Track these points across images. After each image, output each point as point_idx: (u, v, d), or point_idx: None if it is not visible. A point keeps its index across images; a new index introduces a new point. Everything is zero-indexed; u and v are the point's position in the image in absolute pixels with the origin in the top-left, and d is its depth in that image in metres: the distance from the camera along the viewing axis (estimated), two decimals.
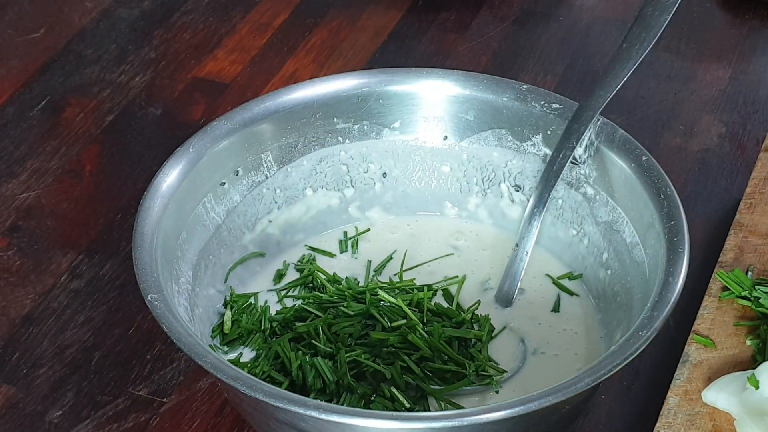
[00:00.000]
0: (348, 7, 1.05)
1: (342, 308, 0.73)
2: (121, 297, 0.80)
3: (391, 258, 0.79)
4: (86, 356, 0.77)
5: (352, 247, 0.80)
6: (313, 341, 0.71)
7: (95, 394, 0.74)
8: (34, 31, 1.03)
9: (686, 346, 0.70)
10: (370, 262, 0.79)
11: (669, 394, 0.67)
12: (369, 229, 0.81)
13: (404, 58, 1.00)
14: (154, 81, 0.98)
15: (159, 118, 0.95)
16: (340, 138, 0.79)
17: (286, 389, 0.68)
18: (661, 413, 0.66)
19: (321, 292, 0.76)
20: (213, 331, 0.74)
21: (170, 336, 0.63)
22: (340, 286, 0.75)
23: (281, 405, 0.60)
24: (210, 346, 0.70)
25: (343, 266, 0.79)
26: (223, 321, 0.74)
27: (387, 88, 0.78)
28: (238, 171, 0.76)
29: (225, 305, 0.75)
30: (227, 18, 1.05)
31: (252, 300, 0.76)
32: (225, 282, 0.76)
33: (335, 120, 0.78)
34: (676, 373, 0.68)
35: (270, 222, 0.79)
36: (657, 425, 0.65)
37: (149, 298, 0.65)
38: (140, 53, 1.01)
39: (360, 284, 0.76)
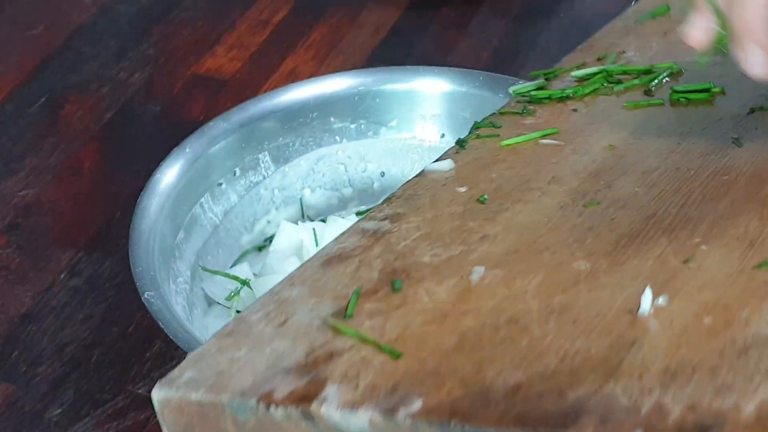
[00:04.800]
0: (348, 4, 1.05)
1: None
2: (120, 295, 0.80)
3: None
4: (85, 354, 0.77)
5: None
6: None
7: (94, 392, 0.74)
8: (32, 28, 1.03)
9: None
10: None
11: None
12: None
13: (404, 55, 0.99)
14: (153, 78, 0.98)
15: (158, 115, 0.95)
16: (337, 137, 0.79)
17: None
18: None
19: None
20: None
21: (167, 332, 0.63)
22: None
23: None
24: None
25: None
26: None
27: (383, 86, 0.78)
28: (235, 171, 0.76)
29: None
30: (226, 14, 1.05)
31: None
32: None
33: (332, 119, 0.78)
34: None
35: (268, 222, 0.79)
36: None
37: (146, 295, 0.65)
38: (139, 50, 1.01)
39: None
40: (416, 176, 0.64)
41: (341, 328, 0.50)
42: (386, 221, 0.59)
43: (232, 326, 0.51)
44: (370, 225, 0.58)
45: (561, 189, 0.60)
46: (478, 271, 0.53)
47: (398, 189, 0.62)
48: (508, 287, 0.52)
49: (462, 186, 0.61)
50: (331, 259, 0.56)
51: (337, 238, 0.57)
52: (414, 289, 0.52)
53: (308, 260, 0.56)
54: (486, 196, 0.60)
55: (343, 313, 0.51)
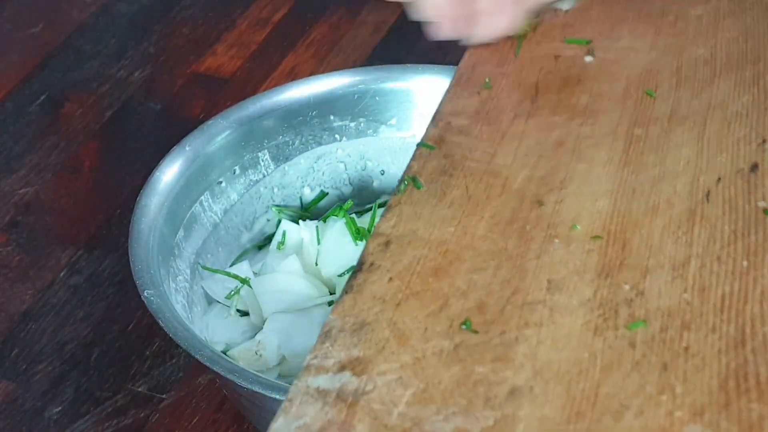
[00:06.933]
0: (348, 2, 1.05)
1: None
2: (120, 293, 0.81)
3: None
4: (86, 352, 0.77)
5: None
6: None
7: (95, 390, 0.74)
8: (33, 26, 1.03)
9: None
10: None
11: None
12: None
13: (404, 53, 0.99)
14: (154, 76, 0.98)
15: (158, 114, 0.95)
16: (336, 136, 0.79)
17: None
18: None
19: None
20: None
21: (167, 330, 0.63)
22: None
23: (277, 396, 0.60)
24: None
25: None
26: None
27: (383, 85, 0.78)
28: (235, 169, 0.76)
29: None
30: (226, 13, 1.05)
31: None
32: None
33: (332, 118, 0.78)
34: None
35: (268, 221, 0.79)
36: None
37: (146, 294, 0.65)
38: (139, 48, 1.01)
39: None
40: (347, 292, 0.46)
41: None
42: (346, 373, 0.41)
43: None
44: (323, 382, 0.41)
45: (573, 301, 0.45)
46: None
47: (332, 316, 0.44)
48: None
49: (426, 306, 0.45)
50: None
51: (286, 410, 0.40)
52: None
53: None
54: (471, 321, 0.44)
55: None
